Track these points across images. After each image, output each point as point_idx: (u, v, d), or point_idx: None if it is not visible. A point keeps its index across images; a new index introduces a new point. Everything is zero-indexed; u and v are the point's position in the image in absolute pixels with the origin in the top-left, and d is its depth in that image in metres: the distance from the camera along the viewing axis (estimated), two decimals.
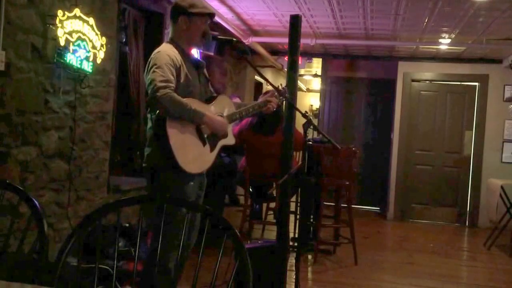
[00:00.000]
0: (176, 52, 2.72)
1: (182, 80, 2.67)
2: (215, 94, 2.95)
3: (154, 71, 2.57)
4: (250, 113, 3.06)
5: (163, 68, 2.57)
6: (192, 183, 2.73)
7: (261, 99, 3.19)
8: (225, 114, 2.88)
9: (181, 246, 1.71)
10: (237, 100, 6.18)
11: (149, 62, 2.66)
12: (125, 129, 4.72)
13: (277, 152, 4.34)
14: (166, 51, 2.68)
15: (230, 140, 2.93)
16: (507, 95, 7.28)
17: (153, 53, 2.70)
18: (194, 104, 2.64)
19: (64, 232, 3.59)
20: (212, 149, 2.79)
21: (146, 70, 2.68)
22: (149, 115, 2.73)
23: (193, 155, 2.69)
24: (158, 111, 2.59)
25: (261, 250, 3.41)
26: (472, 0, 4.45)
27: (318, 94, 9.07)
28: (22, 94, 3.12)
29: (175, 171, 2.63)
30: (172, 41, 2.79)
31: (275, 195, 5.01)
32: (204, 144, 2.75)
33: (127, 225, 3.90)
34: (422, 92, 7.73)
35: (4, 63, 2.93)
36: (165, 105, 2.51)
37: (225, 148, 5.24)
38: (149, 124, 2.73)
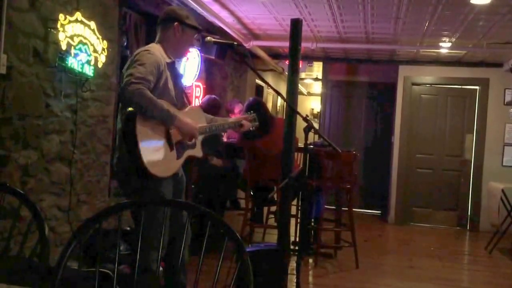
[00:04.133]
0: (163, 55, 2.72)
1: (161, 84, 2.65)
2: (189, 106, 2.94)
3: (135, 67, 2.54)
4: (221, 130, 3.04)
5: (146, 67, 2.54)
6: (164, 184, 2.69)
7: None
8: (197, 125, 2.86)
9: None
10: (239, 106, 6.19)
11: (134, 57, 2.62)
12: None
13: (276, 149, 4.35)
14: (154, 52, 2.67)
15: (197, 152, 2.89)
16: (507, 99, 7.28)
17: (141, 50, 2.67)
18: (166, 105, 2.62)
19: (65, 236, 3.59)
20: (178, 157, 2.75)
21: (127, 65, 2.64)
22: (119, 115, 2.67)
23: (159, 158, 2.63)
24: (127, 108, 2.54)
25: (262, 253, 3.41)
26: (472, 4, 4.46)
27: (319, 98, 9.08)
28: (23, 98, 3.12)
29: (146, 174, 2.57)
30: (160, 44, 2.79)
31: (276, 198, 5.02)
32: (171, 149, 2.70)
33: (128, 228, 3.90)
34: (422, 95, 7.73)
35: (6, 67, 2.94)
36: (135, 99, 2.46)
37: (227, 152, 5.27)
38: (119, 125, 2.68)
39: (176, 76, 2.86)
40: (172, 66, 2.79)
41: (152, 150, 2.59)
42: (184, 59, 5.46)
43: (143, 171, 2.55)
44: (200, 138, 2.90)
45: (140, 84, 2.47)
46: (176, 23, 2.76)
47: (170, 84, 2.73)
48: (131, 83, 2.46)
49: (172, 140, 2.70)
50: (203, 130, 2.91)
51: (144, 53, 2.62)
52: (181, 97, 2.89)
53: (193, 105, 2.98)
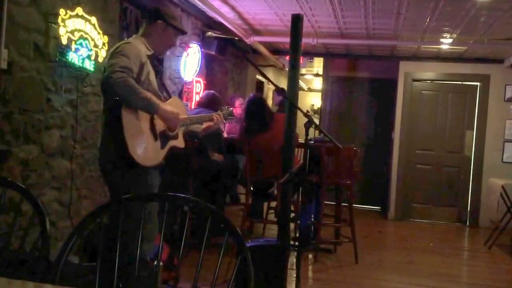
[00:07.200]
0: (144, 49, 2.75)
1: (143, 78, 2.68)
2: (171, 97, 2.97)
3: (118, 57, 2.56)
4: (199, 122, 3.13)
5: (129, 57, 2.57)
6: (152, 176, 2.72)
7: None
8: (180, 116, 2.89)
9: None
10: (240, 100, 6.18)
11: (115, 49, 2.65)
12: None
13: (277, 144, 4.35)
14: (136, 45, 2.71)
15: (180, 143, 2.92)
16: (508, 95, 7.28)
17: (121, 43, 2.71)
18: (150, 95, 2.64)
19: (66, 230, 3.60)
20: (162, 147, 2.78)
21: (109, 56, 2.66)
22: (104, 108, 2.69)
23: (145, 147, 2.65)
24: (112, 98, 2.56)
25: (262, 249, 3.41)
26: (474, 0, 4.45)
27: (320, 94, 9.08)
28: (24, 93, 3.13)
29: (132, 165, 2.59)
30: (142, 38, 2.82)
31: (276, 194, 5.02)
32: (155, 139, 2.73)
33: None
34: (423, 91, 7.72)
35: (7, 62, 2.94)
36: (119, 89, 2.47)
37: (227, 148, 5.27)
38: (104, 117, 2.71)
39: (156, 69, 2.89)
40: (152, 59, 2.82)
41: (138, 139, 2.61)
42: (184, 54, 5.46)
43: (130, 161, 2.56)
44: (181, 129, 2.93)
45: (124, 73, 2.50)
46: (160, 21, 2.81)
47: (152, 77, 2.77)
48: (115, 71, 2.49)
49: (156, 130, 2.73)
50: (185, 121, 2.96)
51: (126, 45, 2.66)
52: (161, 89, 2.93)
53: (174, 96, 3.02)
